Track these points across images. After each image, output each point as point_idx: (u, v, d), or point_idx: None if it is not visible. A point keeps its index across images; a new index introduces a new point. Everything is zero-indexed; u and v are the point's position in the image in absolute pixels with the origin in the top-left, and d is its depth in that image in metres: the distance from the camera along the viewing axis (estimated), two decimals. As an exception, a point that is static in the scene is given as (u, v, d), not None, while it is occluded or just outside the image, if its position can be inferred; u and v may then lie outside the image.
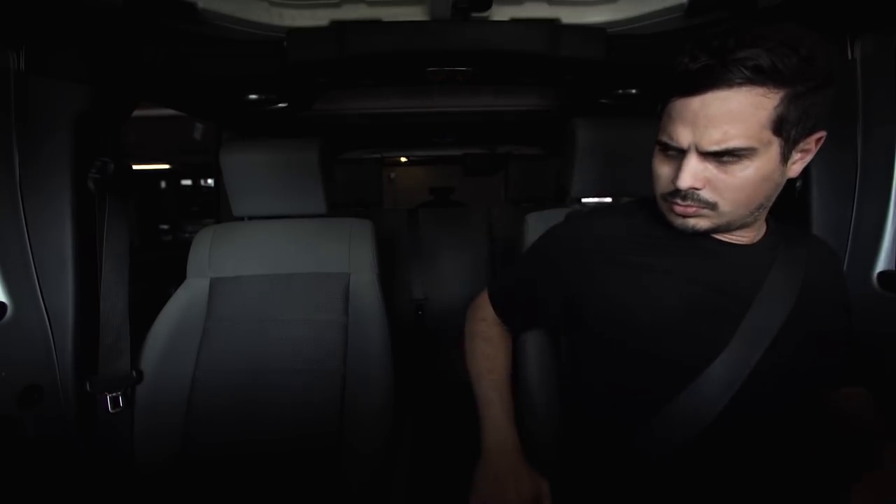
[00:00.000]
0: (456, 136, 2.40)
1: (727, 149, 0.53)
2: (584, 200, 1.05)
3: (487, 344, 0.80)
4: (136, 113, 1.03)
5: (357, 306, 1.00)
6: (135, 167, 0.98)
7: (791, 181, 0.86)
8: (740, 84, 0.51)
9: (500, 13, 0.91)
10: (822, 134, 0.58)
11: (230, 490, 0.91)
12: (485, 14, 0.89)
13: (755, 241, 0.65)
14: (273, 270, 1.05)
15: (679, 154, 0.57)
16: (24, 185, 0.83)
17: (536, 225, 0.94)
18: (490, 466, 0.67)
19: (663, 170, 0.61)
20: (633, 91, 1.35)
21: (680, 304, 0.61)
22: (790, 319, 0.60)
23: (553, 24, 0.92)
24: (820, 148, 0.60)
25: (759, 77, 0.51)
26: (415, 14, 0.91)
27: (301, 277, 1.04)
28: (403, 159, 4.13)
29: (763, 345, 0.58)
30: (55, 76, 0.84)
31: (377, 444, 0.91)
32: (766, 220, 0.67)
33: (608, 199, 1.07)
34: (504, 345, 0.82)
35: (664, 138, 0.59)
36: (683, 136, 0.56)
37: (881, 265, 0.84)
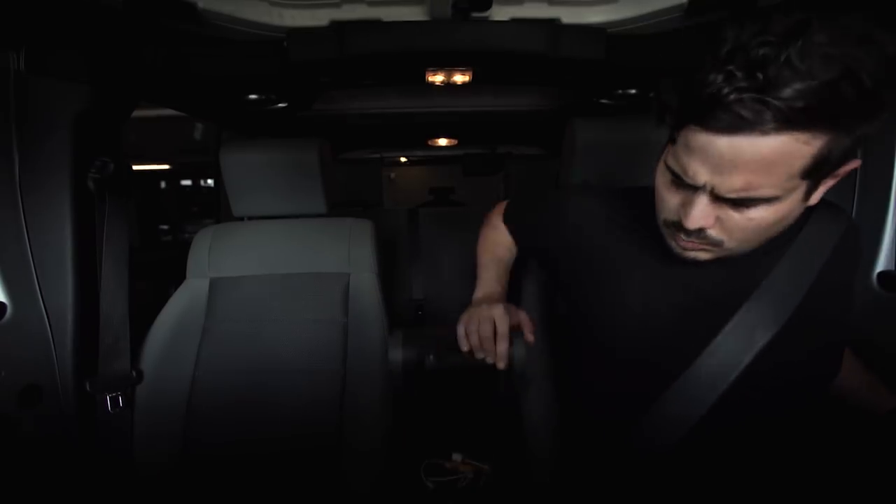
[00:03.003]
0: (456, 136, 2.40)
1: (748, 197, 0.47)
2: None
3: (496, 232, 0.89)
4: (136, 113, 1.03)
5: (357, 306, 1.00)
6: (135, 167, 0.98)
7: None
8: (779, 131, 0.42)
9: (500, 13, 0.91)
10: (857, 164, 0.50)
11: (230, 490, 0.91)
12: (485, 14, 0.89)
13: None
14: (273, 270, 1.05)
15: (690, 187, 0.50)
16: (24, 185, 0.83)
17: None
18: (474, 307, 0.70)
19: (671, 198, 0.54)
20: (633, 91, 1.35)
21: (663, 311, 0.60)
22: (794, 320, 0.57)
23: (553, 24, 0.92)
24: None
25: (805, 122, 0.41)
26: (415, 14, 0.91)
27: (301, 277, 1.04)
28: (403, 159, 4.13)
29: (757, 345, 0.56)
30: (55, 76, 0.84)
31: (377, 443, 0.91)
32: None
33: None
34: (511, 240, 0.88)
35: (676, 169, 0.50)
36: (700, 174, 0.48)
37: (881, 265, 0.84)
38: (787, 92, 0.40)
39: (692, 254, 0.56)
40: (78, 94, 0.85)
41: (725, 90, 0.41)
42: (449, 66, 1.08)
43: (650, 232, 0.61)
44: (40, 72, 0.83)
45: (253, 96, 1.34)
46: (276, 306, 1.01)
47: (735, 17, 0.45)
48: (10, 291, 0.83)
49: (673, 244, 0.57)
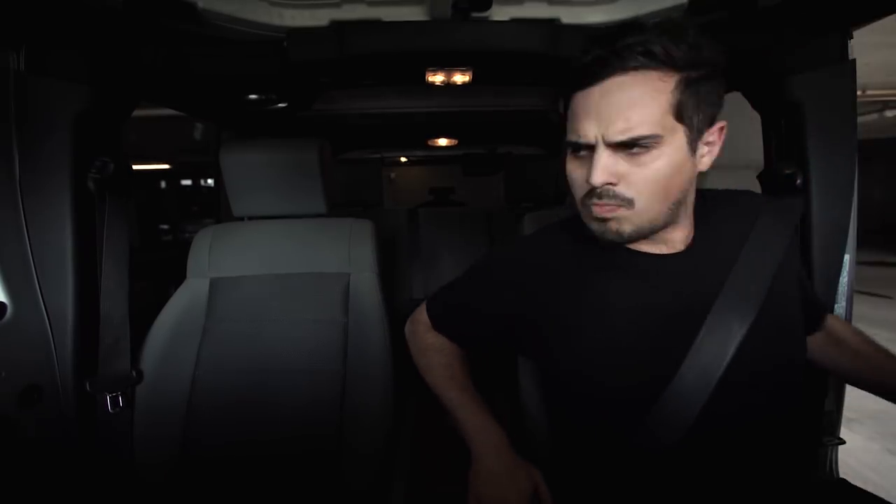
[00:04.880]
0: (456, 136, 2.40)
1: (633, 137, 0.53)
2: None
3: (440, 354, 0.79)
4: (136, 113, 1.03)
5: (357, 306, 1.00)
6: (135, 167, 0.98)
7: (791, 180, 0.87)
8: (636, 68, 0.53)
9: (500, 13, 0.91)
10: (723, 124, 0.58)
11: (230, 490, 0.91)
12: (485, 14, 0.89)
13: (686, 246, 0.64)
14: (273, 270, 1.05)
15: (589, 153, 0.57)
16: (24, 185, 0.83)
17: (534, 225, 0.94)
18: (483, 467, 0.66)
19: (577, 173, 0.59)
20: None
21: (628, 331, 0.60)
22: (765, 307, 0.59)
23: (553, 24, 0.92)
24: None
25: (652, 61, 0.52)
26: (415, 14, 0.91)
27: (301, 277, 1.04)
28: (403, 159, 4.13)
29: (738, 336, 0.57)
30: (55, 76, 0.84)
31: (377, 444, 0.91)
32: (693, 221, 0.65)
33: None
34: (457, 350, 0.80)
35: (572, 137, 0.57)
36: (589, 129, 0.55)
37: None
38: (628, 41, 0.52)
39: (613, 225, 0.58)
40: (78, 94, 0.85)
41: (585, 57, 0.54)
42: (449, 66, 1.08)
43: (610, 250, 0.64)
44: (40, 72, 0.83)
45: (253, 96, 1.34)
46: (277, 306, 1.01)
47: (734, 18, 0.48)
48: (10, 291, 0.83)
49: (592, 224, 0.60)
